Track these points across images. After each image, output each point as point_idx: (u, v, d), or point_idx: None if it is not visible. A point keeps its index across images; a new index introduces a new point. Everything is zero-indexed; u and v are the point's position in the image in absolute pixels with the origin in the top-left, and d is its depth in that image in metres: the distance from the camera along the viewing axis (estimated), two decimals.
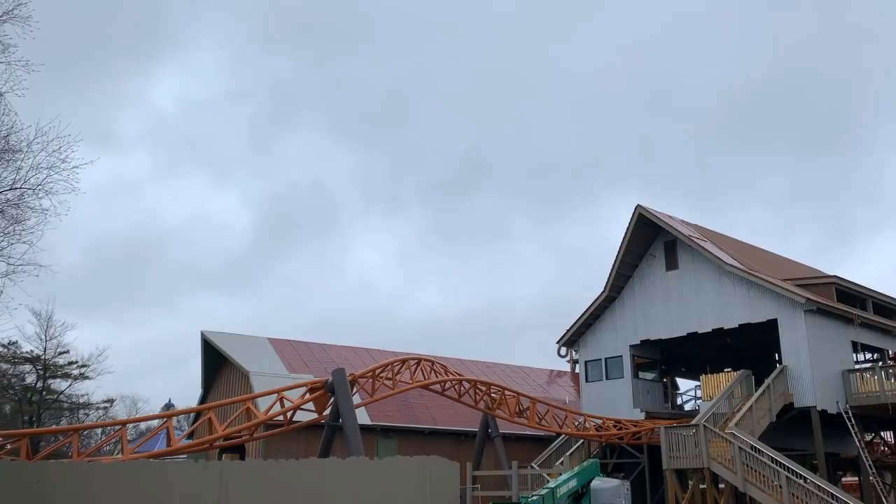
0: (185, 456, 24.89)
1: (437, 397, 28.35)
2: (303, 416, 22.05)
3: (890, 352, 33.16)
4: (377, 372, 23.40)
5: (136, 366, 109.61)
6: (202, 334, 37.10)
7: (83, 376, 48.21)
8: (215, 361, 37.73)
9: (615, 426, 29.62)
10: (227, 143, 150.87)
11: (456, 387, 26.12)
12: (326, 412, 21.92)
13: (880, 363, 32.21)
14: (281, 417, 21.25)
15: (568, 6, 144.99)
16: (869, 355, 34.05)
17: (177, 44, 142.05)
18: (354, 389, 22.43)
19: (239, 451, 30.37)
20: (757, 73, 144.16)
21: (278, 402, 21.02)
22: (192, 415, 39.89)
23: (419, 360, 25.47)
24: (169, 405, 56.68)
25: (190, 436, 24.70)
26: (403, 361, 24.96)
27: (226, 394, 35.62)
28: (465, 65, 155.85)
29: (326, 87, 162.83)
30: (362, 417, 27.87)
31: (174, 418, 22.02)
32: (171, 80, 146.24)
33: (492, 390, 27.07)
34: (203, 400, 39.80)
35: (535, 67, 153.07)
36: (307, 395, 21.50)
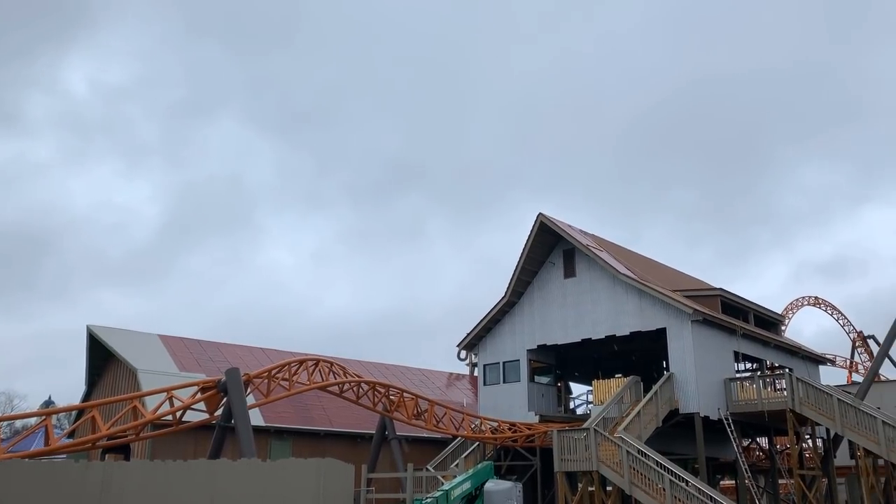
0: (64, 456, 23.68)
1: (333, 399, 28.05)
2: (193, 417, 21.36)
3: (768, 362, 35.12)
4: (273, 372, 22.92)
5: (19, 361, 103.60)
6: (88, 329, 35.42)
7: None
8: (101, 358, 36.12)
9: (510, 429, 30.10)
10: (143, 131, 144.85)
11: (354, 389, 25.90)
12: (218, 412, 21.31)
13: (759, 373, 34.04)
14: (170, 417, 20.51)
15: (503, 22, 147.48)
16: (749, 365, 35.98)
17: (92, 24, 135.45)
18: (249, 390, 21.90)
19: (124, 451, 29.14)
20: (666, 94, 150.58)
21: (167, 402, 20.28)
22: (73, 413, 38.01)
23: (317, 362, 25.12)
24: (49, 402, 53.96)
25: (71, 435, 23.50)
26: (301, 362, 24.55)
27: (112, 392, 34.12)
28: (400, 70, 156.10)
29: (254, 80, 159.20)
30: (256, 418, 27.28)
31: (54, 416, 20.87)
32: (85, 61, 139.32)
33: (390, 392, 27.00)
34: (87, 398, 37.99)
35: (468, 77, 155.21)
36: (198, 395, 20.83)
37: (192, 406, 20.64)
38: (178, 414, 20.54)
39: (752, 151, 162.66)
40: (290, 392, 23.51)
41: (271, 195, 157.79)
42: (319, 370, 24.89)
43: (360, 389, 26.08)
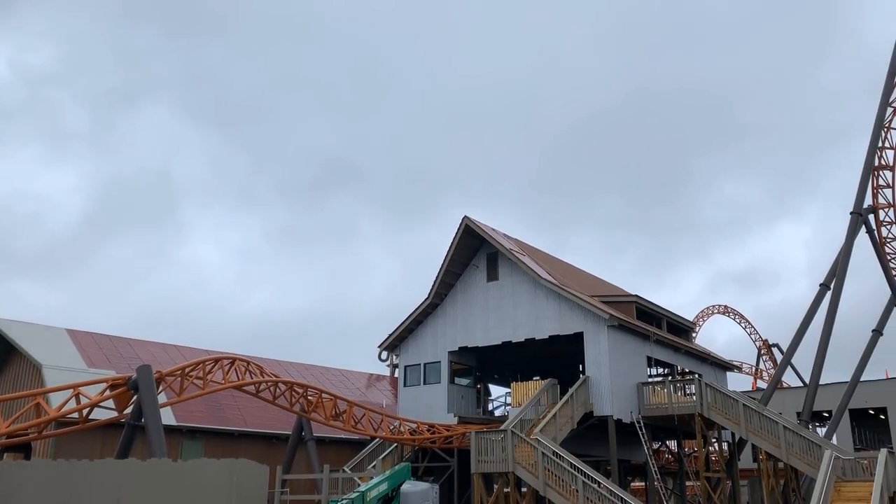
0: None
1: (249, 398, 27.51)
2: (101, 415, 20.59)
3: (679, 367, 36.31)
4: (187, 370, 22.30)
5: None
6: None
7: None
8: (3, 352, 34.37)
9: (429, 430, 30.17)
10: (68, 118, 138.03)
11: (271, 388, 25.46)
12: (128, 411, 20.60)
13: (670, 377, 35.14)
14: (76, 415, 19.72)
15: (444, 28, 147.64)
16: (661, 370, 37.12)
17: (16, 1, 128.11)
18: (161, 388, 21.26)
19: (24, 450, 27.84)
20: (597, 106, 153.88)
21: (73, 398, 19.49)
22: None
23: (233, 360, 24.58)
24: None
25: None
26: (216, 360, 23.97)
27: (13, 388, 32.52)
28: (340, 69, 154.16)
29: (189, 70, 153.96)
30: (167, 417, 26.52)
31: None
32: (6, 41, 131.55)
33: (308, 393, 26.67)
34: None
35: (408, 81, 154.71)
36: (107, 392, 20.09)
37: (100, 403, 19.90)
38: (85, 412, 19.77)
39: (675, 163, 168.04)
40: (203, 391, 22.94)
41: (201, 189, 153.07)
42: (235, 369, 24.37)
43: (278, 389, 25.67)
